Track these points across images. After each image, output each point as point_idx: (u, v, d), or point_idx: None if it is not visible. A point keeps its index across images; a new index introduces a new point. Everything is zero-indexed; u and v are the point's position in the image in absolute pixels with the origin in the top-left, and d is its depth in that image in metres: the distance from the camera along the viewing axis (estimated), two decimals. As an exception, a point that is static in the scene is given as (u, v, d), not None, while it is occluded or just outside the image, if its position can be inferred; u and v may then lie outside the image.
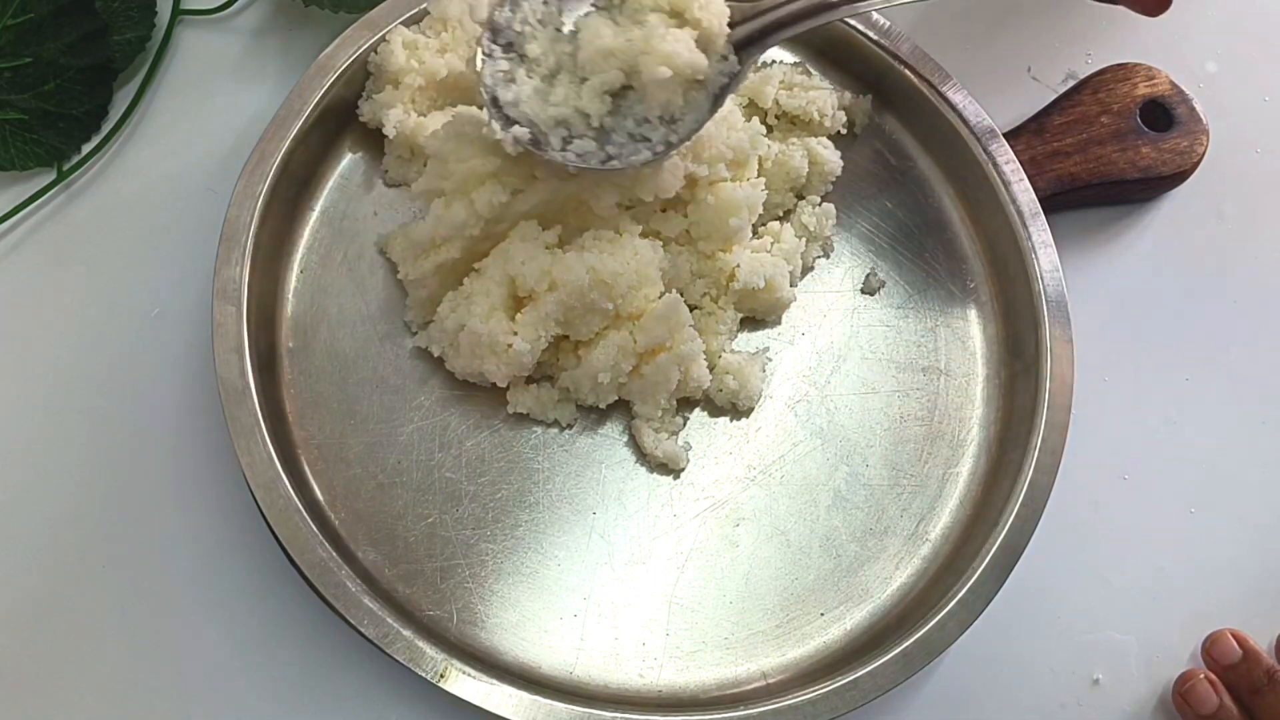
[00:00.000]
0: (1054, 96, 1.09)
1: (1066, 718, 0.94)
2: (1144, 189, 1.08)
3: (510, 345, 0.88)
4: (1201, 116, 1.07)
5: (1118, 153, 1.05)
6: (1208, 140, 1.07)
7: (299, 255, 0.97)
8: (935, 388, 0.98)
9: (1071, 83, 1.11)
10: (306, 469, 0.91)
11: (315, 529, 0.85)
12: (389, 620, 0.83)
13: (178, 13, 1.06)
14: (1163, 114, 1.07)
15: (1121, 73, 1.08)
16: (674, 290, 0.94)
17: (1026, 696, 0.94)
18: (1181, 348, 1.05)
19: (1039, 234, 0.98)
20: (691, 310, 0.95)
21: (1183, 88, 1.08)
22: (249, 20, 1.08)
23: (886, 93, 1.05)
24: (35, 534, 0.91)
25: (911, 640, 0.87)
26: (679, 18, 0.87)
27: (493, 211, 0.89)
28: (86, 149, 1.01)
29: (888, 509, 0.95)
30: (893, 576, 0.93)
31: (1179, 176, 1.07)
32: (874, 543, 0.94)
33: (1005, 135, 1.02)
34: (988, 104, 1.02)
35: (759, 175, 0.98)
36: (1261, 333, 1.07)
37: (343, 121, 1.00)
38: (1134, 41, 1.14)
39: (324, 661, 0.90)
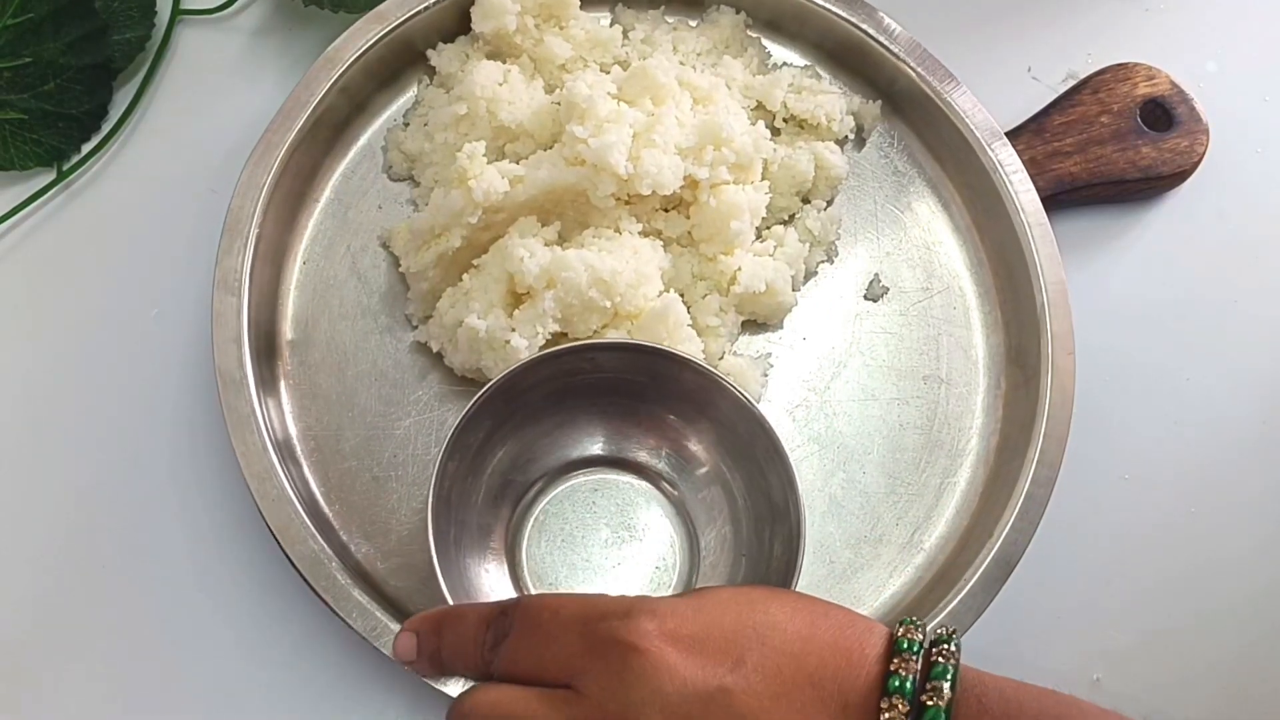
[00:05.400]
0: (1054, 96, 1.03)
1: (1066, 718, 0.86)
2: (1144, 189, 1.01)
3: (508, 342, 0.83)
4: (1201, 116, 1.01)
5: (1118, 153, 0.99)
6: (1208, 140, 1.00)
7: (302, 247, 0.92)
8: (935, 396, 0.92)
9: (1071, 83, 1.04)
10: (303, 460, 0.86)
11: (308, 520, 0.80)
12: (378, 614, 0.78)
13: (178, 12, 1.01)
14: (1163, 114, 1.01)
15: (1121, 73, 1.02)
16: (674, 291, 0.89)
17: (1026, 696, 0.86)
18: (1181, 348, 0.99)
19: (1045, 245, 0.92)
20: (692, 312, 0.89)
21: (1183, 88, 1.02)
22: (249, 20, 1.03)
23: (896, 98, 0.99)
24: (34, 532, 0.86)
25: (901, 649, 0.79)
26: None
27: (491, 200, 0.84)
28: (86, 149, 0.96)
29: (883, 517, 0.89)
30: (886, 585, 0.87)
31: (1179, 176, 1.01)
32: (868, 550, 0.88)
33: (1005, 135, 0.96)
34: (988, 104, 0.96)
35: (764, 179, 0.93)
36: (1261, 333, 1.00)
37: (349, 114, 0.94)
38: (1134, 41, 1.08)
39: (319, 655, 0.84)
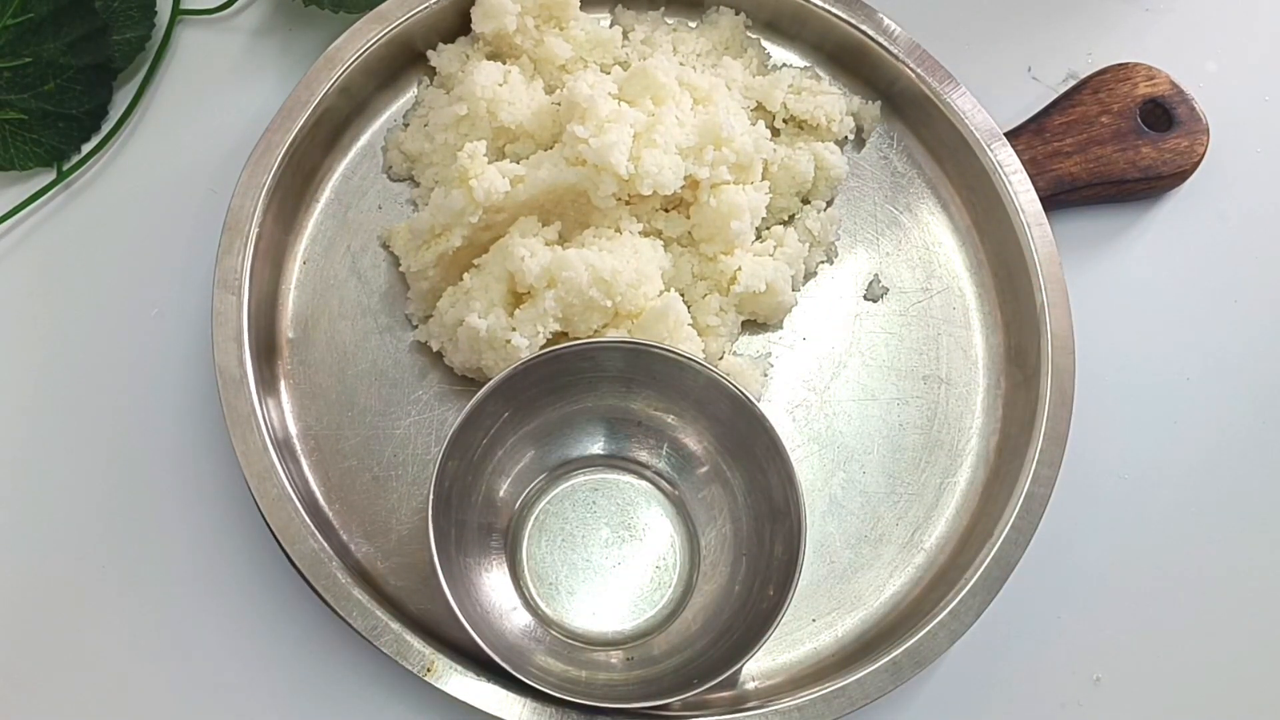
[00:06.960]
0: (1054, 96, 1.02)
1: (1066, 718, 0.87)
2: (1144, 189, 1.00)
3: (509, 341, 0.82)
4: (1201, 116, 1.00)
5: (1118, 153, 0.98)
6: (1208, 140, 1.00)
7: (302, 246, 0.91)
8: (935, 396, 0.91)
9: (1071, 83, 1.03)
10: (303, 460, 0.85)
11: (308, 520, 0.79)
12: (378, 613, 0.77)
13: (178, 12, 1.00)
14: (1163, 114, 1.00)
15: (1121, 73, 1.01)
16: (674, 290, 0.88)
17: (1026, 696, 0.88)
18: (1182, 348, 0.98)
19: (1045, 246, 0.91)
20: (692, 312, 0.88)
21: (1183, 88, 1.01)
22: (249, 20, 1.03)
23: (896, 99, 0.98)
24: (34, 532, 0.86)
25: (901, 649, 0.80)
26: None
27: (492, 199, 0.83)
28: (86, 149, 0.96)
29: (883, 517, 0.88)
30: (886, 584, 0.86)
31: (1179, 176, 1.00)
32: (868, 550, 0.87)
33: (1005, 135, 0.95)
34: (988, 104, 0.95)
35: (764, 179, 0.92)
36: (1261, 333, 0.99)
37: (349, 114, 0.94)
38: (1134, 41, 1.07)
39: (320, 654, 0.83)
